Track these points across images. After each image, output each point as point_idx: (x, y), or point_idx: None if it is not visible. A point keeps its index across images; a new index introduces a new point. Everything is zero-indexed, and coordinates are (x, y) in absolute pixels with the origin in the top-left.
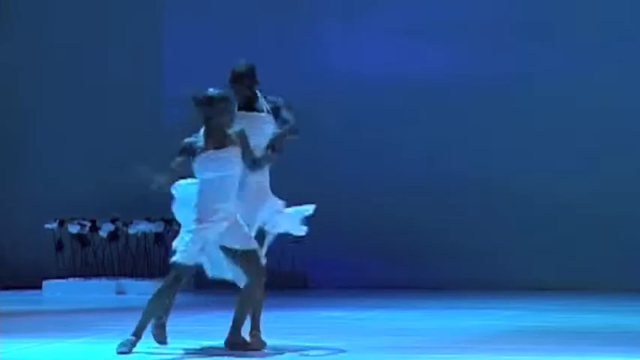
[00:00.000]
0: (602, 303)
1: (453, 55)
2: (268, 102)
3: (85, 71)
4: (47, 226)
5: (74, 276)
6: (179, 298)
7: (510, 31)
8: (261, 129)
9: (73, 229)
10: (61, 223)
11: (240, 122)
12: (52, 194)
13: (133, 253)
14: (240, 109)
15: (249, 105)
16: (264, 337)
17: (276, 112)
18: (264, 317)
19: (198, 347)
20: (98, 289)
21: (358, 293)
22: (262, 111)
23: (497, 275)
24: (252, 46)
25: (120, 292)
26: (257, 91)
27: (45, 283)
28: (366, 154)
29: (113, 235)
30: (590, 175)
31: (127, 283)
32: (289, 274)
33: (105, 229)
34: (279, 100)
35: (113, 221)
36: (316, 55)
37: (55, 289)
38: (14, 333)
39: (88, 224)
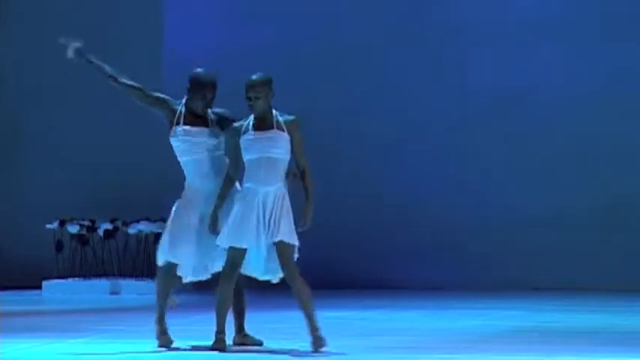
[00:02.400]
0: (602, 303)
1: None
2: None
3: (86, 71)
4: (47, 226)
5: (74, 276)
6: (180, 298)
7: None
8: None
9: (73, 229)
10: (61, 223)
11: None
12: (52, 194)
13: (132, 253)
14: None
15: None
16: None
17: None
18: (266, 317)
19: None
20: (98, 290)
21: (358, 293)
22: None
23: (497, 275)
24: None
25: (114, 292)
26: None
27: (45, 283)
28: (366, 154)
29: (110, 234)
30: (589, 176)
31: (127, 283)
32: None
33: (104, 229)
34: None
35: (113, 221)
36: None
37: (55, 289)
38: (14, 333)
39: (88, 224)
